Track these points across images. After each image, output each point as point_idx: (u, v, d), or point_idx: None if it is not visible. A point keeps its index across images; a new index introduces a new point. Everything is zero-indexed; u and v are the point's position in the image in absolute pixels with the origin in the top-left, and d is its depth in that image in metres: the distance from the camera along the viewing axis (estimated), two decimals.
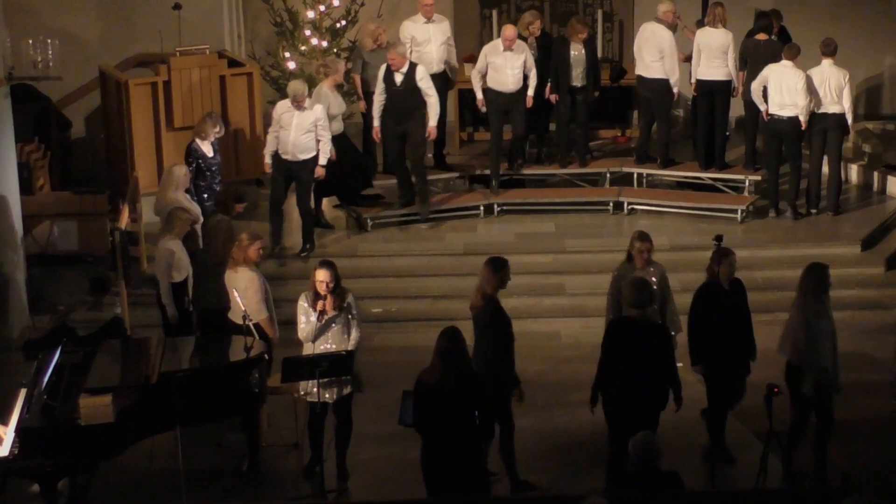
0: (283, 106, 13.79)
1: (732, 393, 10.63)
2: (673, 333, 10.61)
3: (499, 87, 14.86)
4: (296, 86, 13.75)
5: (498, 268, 10.20)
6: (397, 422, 9.68)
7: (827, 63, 14.55)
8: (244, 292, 10.97)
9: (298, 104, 13.62)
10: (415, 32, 15.18)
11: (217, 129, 13.68)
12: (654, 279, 10.66)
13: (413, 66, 14.25)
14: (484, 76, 14.95)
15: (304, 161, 13.80)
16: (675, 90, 15.15)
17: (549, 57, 15.23)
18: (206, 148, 13.63)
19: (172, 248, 11.85)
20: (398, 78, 14.22)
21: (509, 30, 14.83)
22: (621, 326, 10.00)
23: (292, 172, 13.86)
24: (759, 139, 15.39)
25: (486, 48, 15.05)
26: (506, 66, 14.75)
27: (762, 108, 14.57)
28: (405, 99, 14.23)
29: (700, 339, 10.51)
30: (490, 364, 10.03)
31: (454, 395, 9.07)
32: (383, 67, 14.28)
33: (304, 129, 13.69)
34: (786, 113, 14.45)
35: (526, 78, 14.88)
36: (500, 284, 10.21)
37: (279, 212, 14.04)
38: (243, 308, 10.75)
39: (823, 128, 14.58)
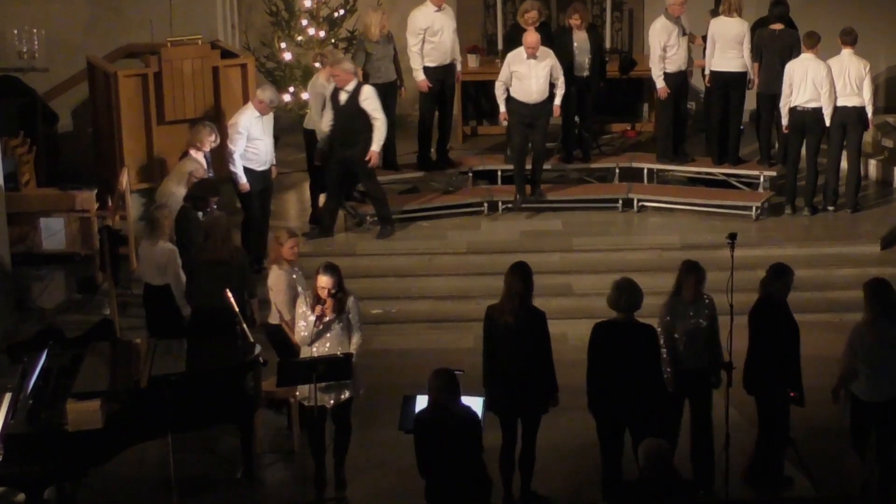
0: (249, 118, 13.60)
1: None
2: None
3: (523, 97, 14.45)
4: (274, 93, 13.82)
5: (530, 274, 10.17)
6: (397, 427, 9.71)
7: (847, 53, 14.55)
8: (271, 292, 11.04)
9: (269, 110, 13.67)
10: (429, 22, 15.06)
11: (213, 139, 13.55)
12: (702, 319, 10.40)
13: (359, 86, 13.92)
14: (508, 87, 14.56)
15: (271, 167, 13.91)
16: (658, 85, 15.07)
17: (549, 48, 15.20)
18: (201, 160, 13.48)
19: (172, 248, 11.86)
20: (343, 97, 13.89)
21: (531, 36, 14.34)
22: (606, 330, 10.02)
23: (266, 182, 13.89)
24: (773, 133, 15.43)
25: (509, 57, 14.57)
26: (530, 74, 14.38)
27: (784, 114, 14.60)
28: (348, 121, 13.89)
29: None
30: (535, 372, 10.08)
31: (454, 436, 9.06)
32: (331, 85, 14.03)
33: (270, 135, 13.77)
34: (811, 105, 14.47)
35: (552, 87, 14.55)
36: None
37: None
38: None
39: (842, 122, 14.59)
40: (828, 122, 14.50)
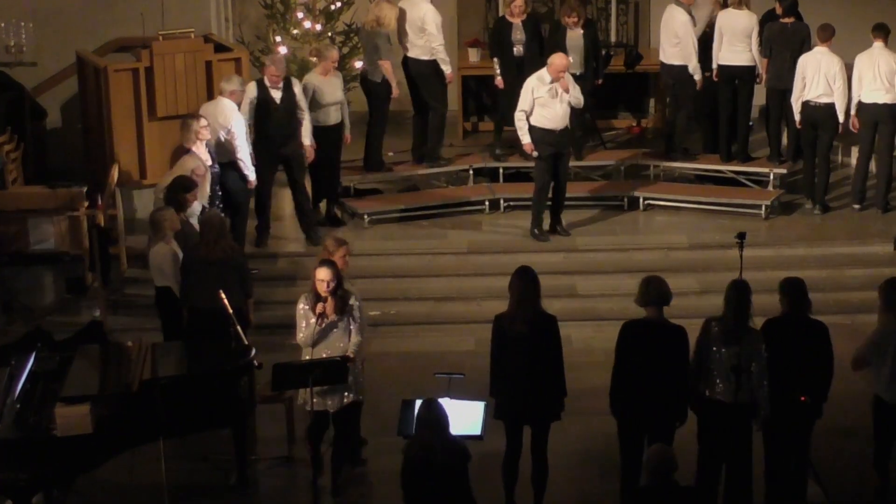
0: (240, 116, 13.68)
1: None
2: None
3: (547, 124, 13.77)
4: (240, 78, 13.91)
5: (537, 277, 10.13)
6: (396, 433, 9.71)
7: (878, 46, 14.52)
8: None
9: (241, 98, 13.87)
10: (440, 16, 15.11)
11: (206, 124, 13.53)
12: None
13: (289, 81, 13.93)
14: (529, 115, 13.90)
15: None
16: (697, 77, 15.12)
17: (537, 41, 15.16)
18: (204, 155, 13.45)
19: (168, 249, 11.86)
20: (276, 95, 13.83)
21: (558, 58, 13.74)
22: (634, 329, 10.01)
23: None
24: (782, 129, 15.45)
25: (530, 82, 13.83)
26: (555, 99, 13.74)
27: (797, 109, 14.60)
28: (287, 118, 13.87)
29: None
30: (548, 378, 10.06)
31: (442, 467, 8.95)
32: (252, 85, 13.92)
33: None
34: (823, 100, 14.48)
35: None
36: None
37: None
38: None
39: (873, 119, 14.57)
40: (841, 118, 14.50)
